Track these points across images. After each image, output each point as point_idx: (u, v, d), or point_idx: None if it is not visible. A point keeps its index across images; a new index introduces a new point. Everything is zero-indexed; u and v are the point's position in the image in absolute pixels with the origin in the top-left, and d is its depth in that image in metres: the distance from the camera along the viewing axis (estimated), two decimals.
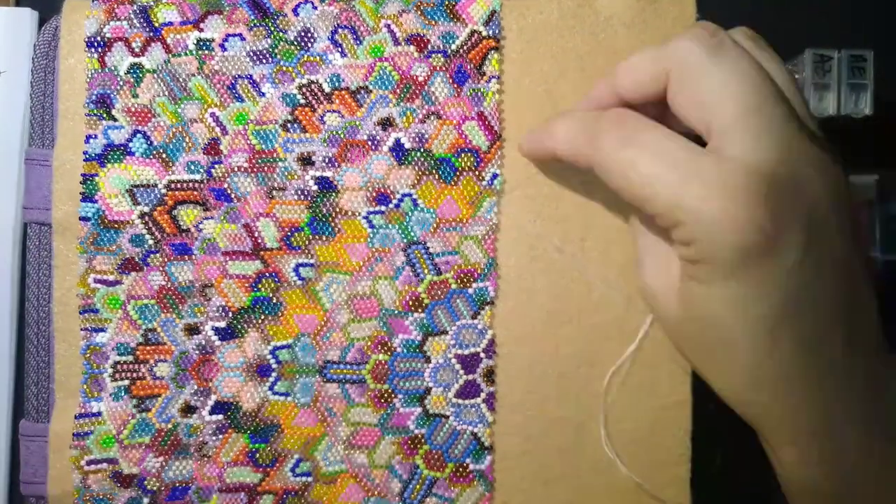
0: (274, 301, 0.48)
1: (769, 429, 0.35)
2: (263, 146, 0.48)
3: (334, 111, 0.48)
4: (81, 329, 0.48)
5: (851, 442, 0.33)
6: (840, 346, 0.32)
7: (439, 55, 0.48)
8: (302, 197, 0.48)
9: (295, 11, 0.49)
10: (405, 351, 0.48)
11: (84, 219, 0.48)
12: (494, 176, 0.48)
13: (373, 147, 0.48)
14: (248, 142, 0.48)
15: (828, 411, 0.33)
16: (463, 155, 0.48)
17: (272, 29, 0.49)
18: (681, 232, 0.33)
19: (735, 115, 0.32)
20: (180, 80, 0.48)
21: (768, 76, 0.33)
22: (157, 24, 0.49)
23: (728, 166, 0.31)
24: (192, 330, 0.48)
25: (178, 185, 0.48)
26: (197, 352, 0.48)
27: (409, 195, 0.48)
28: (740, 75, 0.32)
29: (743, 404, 0.35)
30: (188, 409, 0.48)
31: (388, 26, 0.48)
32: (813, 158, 0.32)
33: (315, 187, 0.48)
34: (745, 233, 0.30)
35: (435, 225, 0.48)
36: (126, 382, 0.48)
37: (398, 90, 0.48)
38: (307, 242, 0.48)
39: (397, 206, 0.48)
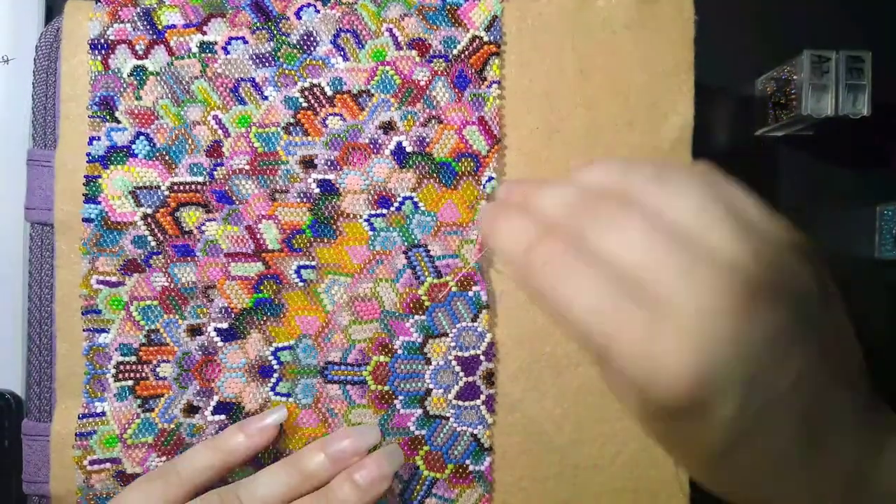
0: (276, 302, 0.48)
1: None
2: (266, 149, 0.48)
3: (336, 114, 0.48)
4: (84, 330, 0.48)
5: None
6: (797, 462, 0.32)
7: (441, 60, 0.48)
8: (304, 199, 0.48)
9: (297, 15, 0.49)
10: (406, 353, 0.48)
11: (87, 220, 0.48)
12: (489, 179, 0.48)
13: (374, 150, 0.48)
14: (251, 144, 0.48)
15: None
16: (463, 159, 0.48)
17: (275, 32, 0.49)
18: (616, 371, 0.31)
19: (659, 258, 0.30)
20: (183, 82, 0.49)
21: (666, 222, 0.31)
22: (160, 27, 0.49)
23: (659, 313, 0.29)
24: (195, 331, 0.48)
25: (181, 187, 0.48)
26: (199, 352, 0.48)
27: (410, 198, 0.48)
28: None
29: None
30: (191, 410, 0.48)
31: (390, 30, 0.49)
32: (739, 303, 0.29)
33: (317, 190, 0.48)
34: (674, 391, 0.29)
35: (435, 228, 0.48)
36: (130, 383, 0.48)
37: (400, 94, 0.48)
38: (309, 244, 0.48)
39: (398, 209, 0.48)
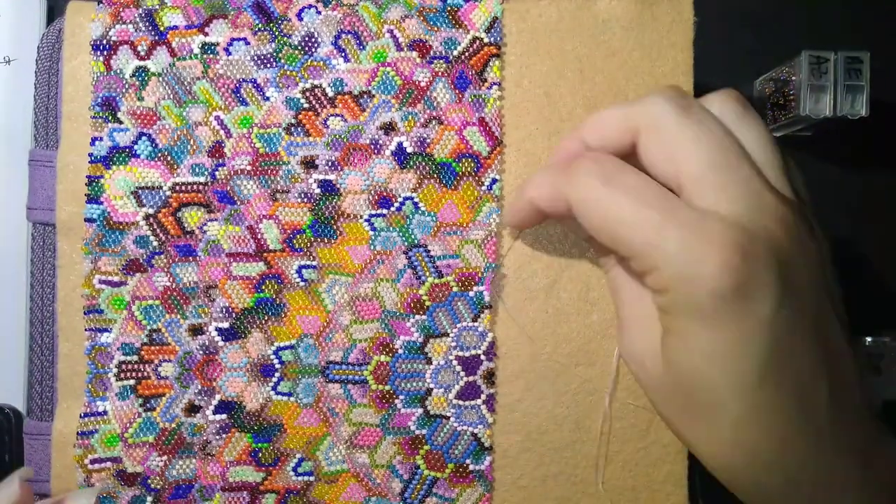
0: (277, 302, 0.48)
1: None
2: (267, 149, 0.49)
3: (337, 115, 0.49)
4: (86, 329, 0.49)
5: None
6: (825, 406, 0.32)
7: (441, 61, 0.49)
8: (305, 200, 0.48)
9: (299, 16, 0.49)
10: (407, 352, 0.48)
11: (89, 220, 0.48)
12: (494, 181, 0.48)
13: (375, 151, 0.49)
14: (252, 145, 0.49)
15: (823, 479, 0.32)
16: (464, 160, 0.48)
17: (276, 33, 0.49)
18: (656, 278, 0.33)
19: (703, 169, 0.32)
20: (185, 83, 0.49)
21: (733, 137, 0.34)
22: (162, 28, 0.49)
23: (701, 213, 0.32)
24: (197, 330, 0.48)
25: (183, 188, 0.48)
26: (201, 352, 0.48)
27: (411, 199, 0.48)
28: (708, 132, 0.33)
29: (731, 474, 0.34)
30: (192, 409, 0.48)
31: (391, 31, 0.49)
32: (781, 216, 0.32)
33: (318, 190, 0.48)
34: (720, 277, 0.30)
35: (435, 228, 0.48)
36: (131, 382, 0.48)
37: (400, 95, 0.49)
38: (309, 244, 0.48)
39: (399, 209, 0.48)
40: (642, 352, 0.37)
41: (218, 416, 0.48)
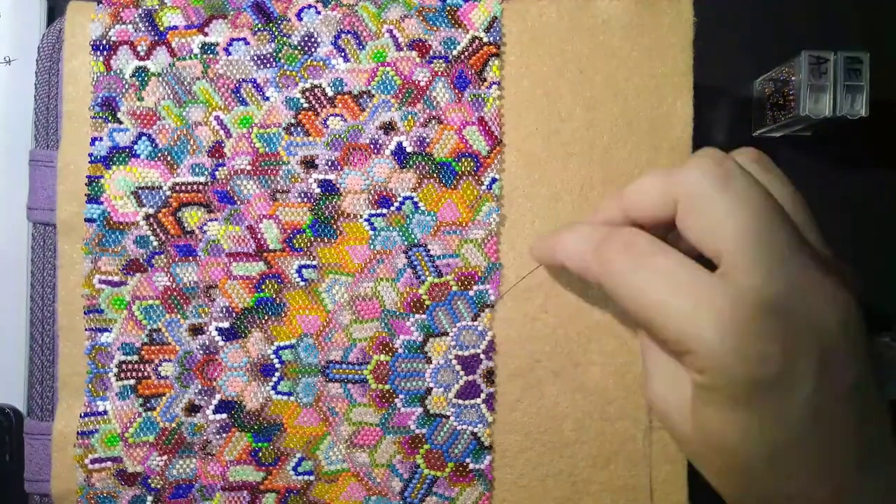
0: (277, 302, 0.48)
1: None
2: (267, 149, 0.49)
3: (337, 115, 0.49)
4: (86, 329, 0.49)
5: None
6: (854, 470, 0.32)
7: (441, 61, 0.49)
8: (305, 199, 0.48)
9: (299, 16, 0.49)
10: (406, 352, 0.48)
11: (89, 220, 0.48)
12: (493, 181, 0.49)
13: (375, 150, 0.49)
14: (252, 145, 0.49)
15: None
16: (463, 159, 0.48)
17: (276, 33, 0.49)
18: (692, 359, 0.33)
19: (742, 244, 0.32)
20: (185, 83, 0.49)
21: (775, 203, 0.33)
22: (162, 28, 0.49)
23: (737, 296, 0.31)
24: (197, 330, 0.48)
25: (183, 188, 0.49)
26: (201, 352, 0.48)
27: (411, 198, 0.48)
28: (747, 205, 0.32)
29: None
30: (192, 409, 0.48)
31: (391, 31, 0.49)
32: (821, 286, 0.32)
33: (318, 190, 0.48)
34: (756, 365, 0.30)
35: (435, 228, 0.48)
36: (132, 382, 0.48)
37: (400, 95, 0.49)
38: (309, 244, 0.48)
39: (398, 208, 0.48)
40: (670, 403, 0.36)
41: (218, 416, 0.48)
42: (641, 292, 0.33)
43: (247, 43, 0.49)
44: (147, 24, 0.49)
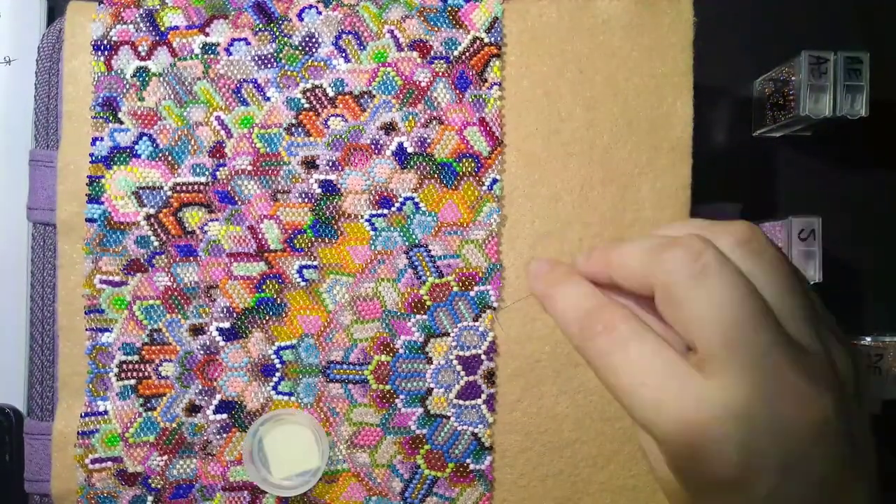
0: (278, 302, 0.48)
1: None
2: (268, 149, 0.49)
3: (338, 115, 0.49)
4: (87, 329, 0.49)
5: None
6: None
7: (441, 61, 0.49)
8: (305, 200, 0.48)
9: (300, 16, 0.49)
10: (407, 352, 0.48)
11: (90, 220, 0.48)
12: (494, 181, 0.49)
13: (376, 151, 0.49)
14: (253, 145, 0.49)
15: None
16: (464, 160, 0.48)
17: (277, 34, 0.49)
18: (660, 447, 0.33)
19: (712, 345, 0.31)
20: (186, 83, 0.49)
21: (754, 301, 0.32)
22: (163, 28, 0.49)
23: (702, 396, 0.31)
24: (197, 330, 0.48)
25: (184, 188, 0.49)
26: (202, 352, 0.48)
27: (412, 199, 0.48)
28: (720, 305, 0.31)
29: None
30: (193, 409, 0.48)
31: (392, 32, 0.49)
32: (792, 389, 0.31)
33: (318, 190, 0.48)
34: (713, 465, 0.30)
35: (436, 228, 0.48)
36: (132, 382, 0.48)
37: (401, 95, 0.49)
38: (310, 244, 0.48)
39: (399, 209, 0.48)
40: (661, 475, 0.37)
41: (218, 416, 0.48)
42: (614, 375, 0.34)
43: (248, 43, 0.49)
44: (148, 24, 0.49)
